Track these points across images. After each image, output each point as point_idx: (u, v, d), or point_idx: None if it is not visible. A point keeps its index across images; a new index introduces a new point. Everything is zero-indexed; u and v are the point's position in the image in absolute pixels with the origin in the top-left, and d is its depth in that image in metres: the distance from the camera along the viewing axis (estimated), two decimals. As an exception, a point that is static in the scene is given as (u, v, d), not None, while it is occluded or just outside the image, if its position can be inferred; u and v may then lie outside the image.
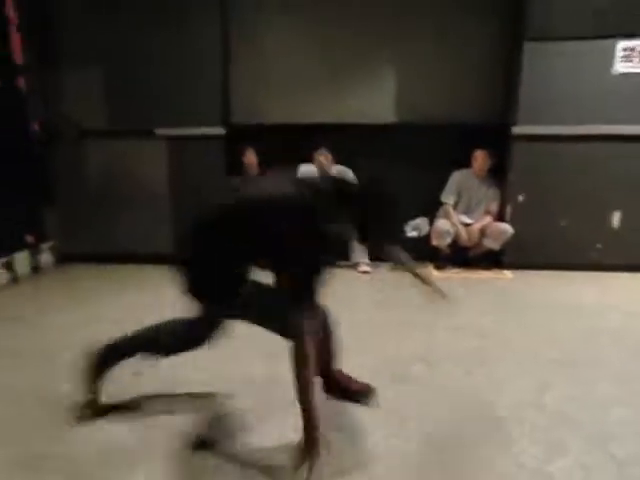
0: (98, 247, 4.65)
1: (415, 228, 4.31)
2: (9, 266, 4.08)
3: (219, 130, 4.42)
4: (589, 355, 2.66)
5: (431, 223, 4.33)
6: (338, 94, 4.63)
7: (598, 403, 2.16)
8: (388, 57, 4.56)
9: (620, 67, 3.93)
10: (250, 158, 4.48)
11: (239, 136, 4.47)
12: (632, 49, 3.90)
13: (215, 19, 4.31)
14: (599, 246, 4.24)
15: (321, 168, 4.40)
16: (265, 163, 4.46)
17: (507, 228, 4.20)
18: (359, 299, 3.69)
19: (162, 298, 3.64)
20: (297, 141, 4.41)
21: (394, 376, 2.39)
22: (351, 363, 2.31)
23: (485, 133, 4.30)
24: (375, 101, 4.62)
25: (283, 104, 4.65)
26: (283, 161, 4.32)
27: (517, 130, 4.13)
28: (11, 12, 4.18)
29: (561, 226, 4.25)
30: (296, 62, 4.60)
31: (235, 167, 4.48)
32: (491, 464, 1.75)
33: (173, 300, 3.35)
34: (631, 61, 3.91)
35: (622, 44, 3.90)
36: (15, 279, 4.12)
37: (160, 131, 4.42)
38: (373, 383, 2.21)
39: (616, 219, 4.19)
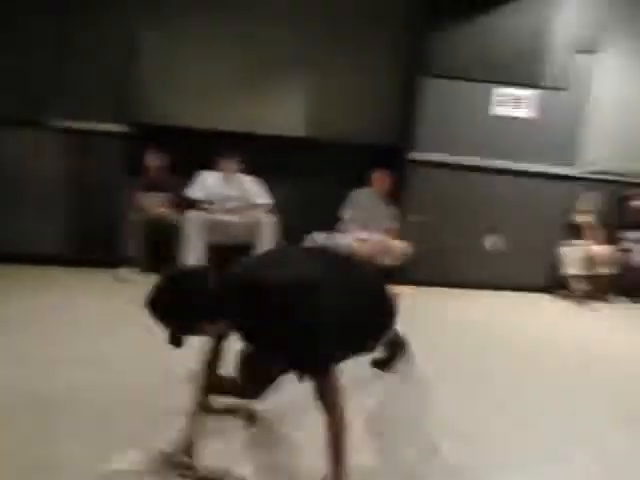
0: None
1: (315, 243, 4.47)
2: None
3: (122, 127, 4.21)
4: (474, 369, 2.93)
5: (331, 238, 4.51)
6: (252, 103, 4.69)
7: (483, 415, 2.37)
8: (304, 72, 4.73)
9: (496, 110, 4.54)
10: (153, 160, 4.32)
11: (146, 136, 4.30)
12: (507, 95, 4.53)
13: (125, 8, 4.12)
14: (481, 265, 4.71)
15: (227, 176, 4.38)
16: (171, 167, 4.35)
17: (403, 246, 4.50)
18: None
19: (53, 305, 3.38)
20: (206, 146, 4.36)
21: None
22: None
23: (386, 155, 4.62)
24: (288, 114, 4.74)
25: (195, 107, 4.58)
26: (190, 166, 4.29)
27: (415, 155, 4.48)
28: None
29: (450, 246, 4.65)
30: (211, 66, 4.58)
31: (139, 168, 4.30)
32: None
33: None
34: (505, 105, 4.54)
35: (499, 90, 4.50)
36: None
37: (56, 123, 4.11)
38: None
39: (496, 241, 4.71)
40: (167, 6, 4.43)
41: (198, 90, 4.59)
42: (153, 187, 4.29)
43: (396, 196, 4.65)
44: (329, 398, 1.43)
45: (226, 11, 4.52)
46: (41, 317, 3.10)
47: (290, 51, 4.65)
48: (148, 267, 4.17)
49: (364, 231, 4.63)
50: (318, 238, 4.49)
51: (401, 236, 4.58)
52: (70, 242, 4.29)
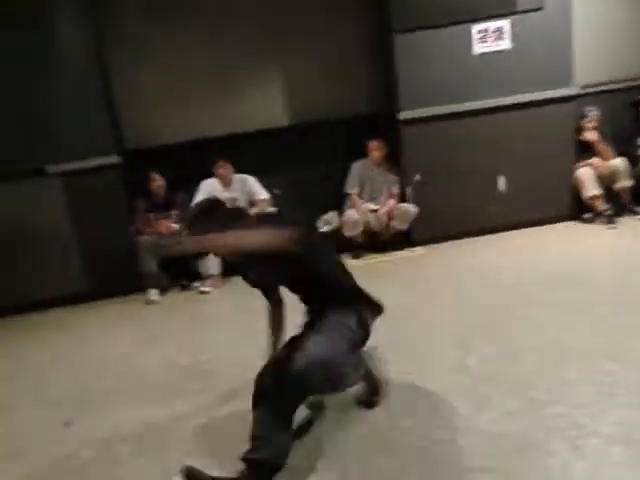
0: (6, 299, 4.30)
1: (326, 223, 4.48)
2: None
3: (114, 159, 4.26)
4: (503, 313, 2.90)
5: (341, 215, 4.50)
6: (229, 104, 4.66)
7: (513, 356, 2.38)
8: (273, 62, 4.67)
9: (478, 48, 4.33)
10: (156, 183, 4.38)
11: (139, 161, 4.34)
12: (486, 30, 4.31)
13: (90, 46, 4.14)
14: (491, 209, 4.59)
15: (222, 180, 4.41)
16: (171, 186, 4.40)
17: (410, 208, 4.45)
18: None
19: (87, 340, 3.52)
20: (197, 157, 4.39)
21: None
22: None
23: (376, 122, 4.55)
24: (266, 106, 4.70)
25: (175, 122, 4.59)
26: (187, 180, 4.33)
27: (403, 115, 4.37)
28: None
29: (457, 196, 4.54)
30: (182, 77, 4.56)
31: (140, 193, 4.37)
32: (428, 427, 1.90)
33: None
34: (486, 41, 4.32)
35: (476, 27, 4.29)
36: None
37: (51, 168, 4.19)
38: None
39: (502, 183, 4.58)
40: (127, 23, 4.43)
41: (175, 104, 4.58)
42: (158, 207, 4.36)
43: (395, 160, 4.59)
44: None
45: (186, 17, 4.49)
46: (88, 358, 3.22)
47: (256, 44, 4.58)
48: (169, 285, 4.39)
49: (372, 201, 4.60)
50: (329, 218, 4.50)
51: (407, 198, 4.53)
52: (89, 278, 4.39)
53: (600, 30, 4.76)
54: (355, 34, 4.65)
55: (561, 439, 1.74)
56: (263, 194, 4.42)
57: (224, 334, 3.28)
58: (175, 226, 4.32)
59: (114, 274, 4.35)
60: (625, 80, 4.78)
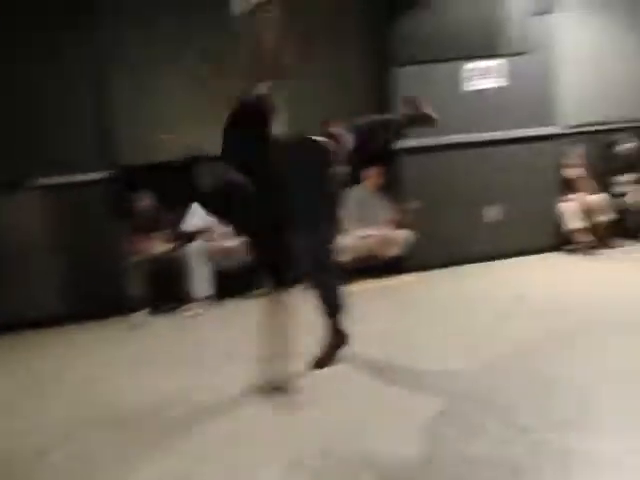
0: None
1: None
2: None
3: (100, 174, 4.13)
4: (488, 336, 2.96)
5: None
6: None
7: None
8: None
9: (469, 85, 4.60)
10: (142, 201, 4.25)
11: (131, 177, 4.22)
12: (474, 69, 4.59)
13: (90, 54, 4.09)
14: (486, 238, 4.70)
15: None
16: (163, 206, 4.28)
17: (404, 235, 4.48)
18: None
19: (67, 365, 3.28)
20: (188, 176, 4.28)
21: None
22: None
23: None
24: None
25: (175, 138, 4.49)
26: (182, 201, 4.21)
27: (403, 144, 4.41)
28: None
29: (451, 226, 4.64)
30: (180, 95, 4.47)
31: (128, 212, 4.23)
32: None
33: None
34: (474, 80, 4.60)
35: (466, 66, 4.55)
36: None
37: (31, 182, 4.02)
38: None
39: (491, 213, 4.75)
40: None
41: (168, 123, 4.49)
42: (147, 227, 4.23)
43: (388, 187, 4.66)
44: None
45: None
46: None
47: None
48: (157, 308, 4.19)
49: (364, 228, 4.61)
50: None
51: (401, 225, 4.58)
52: (72, 298, 4.18)
53: (580, 76, 4.97)
54: (355, 63, 4.75)
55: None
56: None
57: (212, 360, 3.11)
58: (167, 245, 4.21)
59: (99, 295, 4.15)
60: (600, 123, 5.02)
